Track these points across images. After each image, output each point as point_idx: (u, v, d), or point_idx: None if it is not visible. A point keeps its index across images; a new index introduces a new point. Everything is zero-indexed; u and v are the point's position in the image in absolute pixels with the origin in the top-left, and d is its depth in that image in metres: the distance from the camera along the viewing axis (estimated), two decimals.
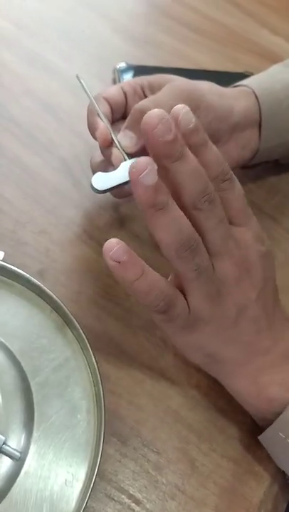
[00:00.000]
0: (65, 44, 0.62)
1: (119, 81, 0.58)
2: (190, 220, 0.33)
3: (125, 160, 0.40)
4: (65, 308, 0.41)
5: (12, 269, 0.42)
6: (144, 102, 0.40)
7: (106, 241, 0.48)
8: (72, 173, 0.52)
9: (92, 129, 0.43)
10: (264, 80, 0.50)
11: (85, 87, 0.42)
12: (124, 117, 0.45)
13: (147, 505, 0.38)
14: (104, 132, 0.41)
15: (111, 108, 0.43)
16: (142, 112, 0.39)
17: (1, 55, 0.58)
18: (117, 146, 0.40)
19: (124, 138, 0.41)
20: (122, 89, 0.44)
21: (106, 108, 0.43)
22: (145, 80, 0.45)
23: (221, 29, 0.70)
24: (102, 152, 0.43)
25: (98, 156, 0.45)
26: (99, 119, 0.42)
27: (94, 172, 0.45)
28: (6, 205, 0.48)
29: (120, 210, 0.50)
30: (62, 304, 0.41)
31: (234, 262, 0.36)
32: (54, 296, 0.41)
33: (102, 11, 0.66)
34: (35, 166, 0.51)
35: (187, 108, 0.34)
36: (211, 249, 0.35)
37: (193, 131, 0.34)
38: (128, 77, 0.59)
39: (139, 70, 0.60)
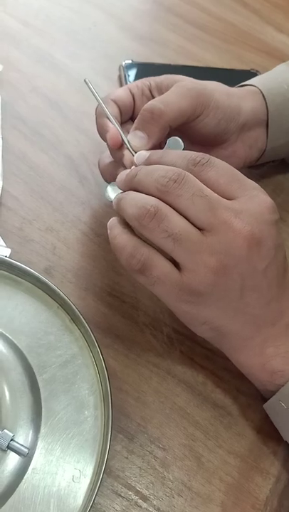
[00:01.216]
0: (71, 42, 0.62)
1: (125, 78, 0.58)
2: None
3: None
4: (72, 305, 0.41)
5: (20, 266, 0.42)
6: (153, 102, 0.40)
7: None
8: (79, 171, 0.52)
9: (102, 131, 0.43)
10: (271, 80, 0.49)
11: (94, 90, 0.42)
12: (132, 119, 0.45)
13: (154, 502, 0.38)
14: (115, 135, 0.41)
15: (119, 110, 0.43)
16: (152, 112, 0.40)
17: (8, 53, 0.58)
18: (128, 148, 0.40)
19: (134, 139, 0.41)
20: (130, 91, 0.44)
21: (115, 110, 0.43)
22: (152, 80, 0.44)
23: (227, 27, 0.70)
24: (113, 154, 0.43)
25: (107, 158, 0.45)
26: (109, 122, 0.42)
27: (103, 174, 0.45)
28: (13, 203, 0.48)
29: None
30: (69, 301, 0.41)
31: (236, 233, 0.35)
32: (61, 293, 0.41)
33: (109, 9, 0.66)
34: (42, 163, 0.51)
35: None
36: (202, 225, 0.35)
37: (148, 157, 0.39)
38: (134, 74, 0.59)
39: (145, 68, 0.60)
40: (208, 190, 0.35)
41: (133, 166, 0.40)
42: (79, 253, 0.47)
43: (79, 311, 0.41)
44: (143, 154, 0.39)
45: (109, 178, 0.45)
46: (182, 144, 0.40)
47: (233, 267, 0.35)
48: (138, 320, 0.45)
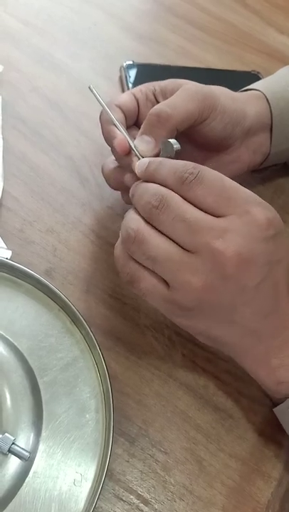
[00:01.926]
0: (72, 42, 0.61)
1: (126, 79, 0.58)
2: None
3: None
4: (73, 308, 0.41)
5: (20, 268, 0.42)
6: (160, 106, 0.40)
7: (113, 240, 0.48)
8: (80, 172, 0.52)
9: (108, 138, 0.42)
10: (274, 84, 0.49)
11: (98, 96, 0.41)
12: (136, 124, 0.45)
13: (156, 506, 0.38)
14: (123, 141, 0.40)
15: (124, 115, 0.43)
16: (159, 116, 0.39)
17: (8, 53, 0.58)
18: (136, 155, 0.40)
19: (141, 143, 0.40)
20: (134, 96, 0.44)
21: (120, 116, 0.42)
22: (157, 85, 0.44)
23: (228, 28, 0.70)
24: (120, 160, 0.43)
25: (111, 163, 0.45)
26: (115, 128, 0.41)
27: (108, 179, 0.45)
28: (13, 204, 0.48)
29: (127, 208, 0.49)
30: (70, 303, 0.41)
31: (219, 255, 0.34)
32: (62, 296, 0.41)
33: (109, 9, 0.66)
34: (43, 164, 0.51)
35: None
36: (185, 246, 0.35)
37: (147, 166, 0.38)
38: (134, 75, 0.59)
39: (146, 69, 0.60)
40: (190, 212, 0.35)
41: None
42: (80, 255, 0.47)
43: (80, 313, 0.41)
44: (143, 163, 0.38)
45: (115, 184, 0.45)
46: (175, 146, 0.39)
47: (220, 286, 0.35)
48: (139, 322, 0.45)
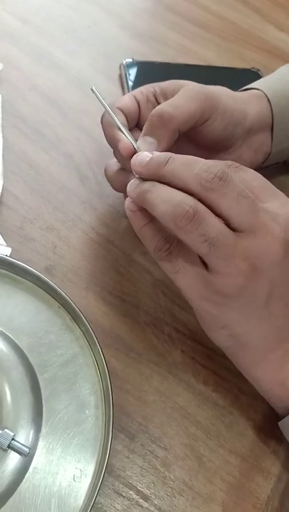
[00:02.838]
0: (71, 40, 0.61)
1: (126, 77, 0.58)
2: (208, 207, 0.34)
3: None
4: (73, 304, 0.41)
5: (20, 265, 0.42)
6: (162, 107, 0.40)
7: (113, 238, 0.48)
8: (79, 169, 0.52)
9: (112, 141, 0.41)
10: (275, 83, 0.49)
11: (101, 98, 0.41)
12: (137, 126, 0.44)
13: (155, 501, 0.38)
14: (128, 144, 0.40)
15: (126, 118, 0.43)
16: (161, 117, 0.39)
17: (7, 51, 0.58)
18: None
19: (143, 144, 0.39)
20: (135, 98, 0.44)
21: (121, 118, 0.42)
22: (157, 86, 0.44)
23: (227, 25, 0.70)
24: (123, 163, 0.43)
25: (114, 165, 0.44)
26: (119, 131, 0.41)
27: (112, 182, 0.45)
28: (13, 201, 0.48)
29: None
30: (70, 300, 0.41)
31: (274, 238, 0.34)
32: (62, 293, 0.41)
33: (108, 7, 0.66)
34: (42, 162, 0.51)
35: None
36: (241, 227, 0.33)
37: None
38: (134, 72, 0.59)
39: (146, 66, 0.60)
40: (247, 191, 0.34)
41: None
42: (80, 252, 0.47)
43: (80, 310, 0.41)
44: (142, 157, 0.37)
45: (119, 186, 0.44)
46: None
47: (265, 272, 0.34)
48: (139, 319, 0.45)
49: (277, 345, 0.37)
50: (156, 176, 0.36)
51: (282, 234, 0.34)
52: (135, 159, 0.37)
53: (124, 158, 0.40)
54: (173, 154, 0.36)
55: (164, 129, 0.39)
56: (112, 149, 0.44)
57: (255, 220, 0.33)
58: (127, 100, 0.43)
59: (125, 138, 0.40)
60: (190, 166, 0.34)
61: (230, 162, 0.35)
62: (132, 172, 0.38)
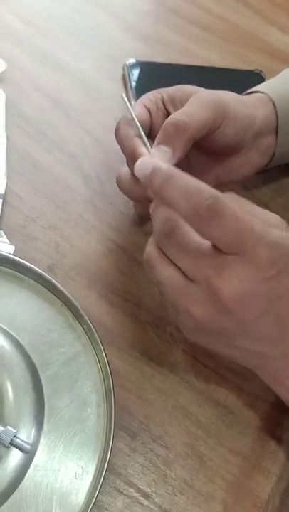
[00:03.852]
0: (74, 42, 0.62)
1: (129, 77, 0.58)
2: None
3: None
4: (76, 303, 0.41)
5: (23, 263, 0.42)
6: (176, 116, 0.39)
7: (116, 237, 0.49)
8: (82, 169, 0.52)
9: (132, 154, 0.41)
10: (280, 86, 0.49)
11: (130, 108, 0.41)
12: (149, 134, 0.44)
13: (156, 500, 0.38)
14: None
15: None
16: (176, 125, 0.39)
17: (11, 52, 0.58)
18: None
19: (158, 153, 0.39)
20: (145, 106, 0.43)
21: (142, 129, 0.42)
22: (164, 92, 0.44)
23: (230, 27, 0.70)
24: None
25: (128, 175, 0.43)
26: (138, 143, 0.41)
27: (127, 192, 0.44)
28: (16, 201, 0.48)
29: (130, 206, 0.50)
30: (72, 299, 0.41)
31: (217, 288, 0.33)
32: (64, 291, 0.41)
33: (111, 9, 0.66)
34: (46, 162, 0.52)
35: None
36: (188, 276, 0.35)
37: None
38: (137, 73, 0.59)
39: (149, 67, 0.60)
40: (194, 245, 0.34)
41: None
42: (82, 251, 0.47)
43: (82, 308, 0.41)
44: (145, 165, 0.35)
45: (137, 197, 0.44)
46: None
47: (217, 317, 0.35)
48: (141, 318, 0.45)
49: (266, 363, 0.38)
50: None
51: (223, 287, 0.33)
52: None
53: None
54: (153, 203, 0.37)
55: (180, 137, 0.39)
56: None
57: (196, 273, 0.34)
58: (139, 110, 0.43)
59: (146, 152, 0.40)
60: (153, 219, 0.37)
61: (203, 206, 0.33)
62: None
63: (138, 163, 0.36)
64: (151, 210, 0.38)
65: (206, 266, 0.34)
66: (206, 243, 0.34)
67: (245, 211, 0.34)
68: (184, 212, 0.34)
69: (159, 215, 0.36)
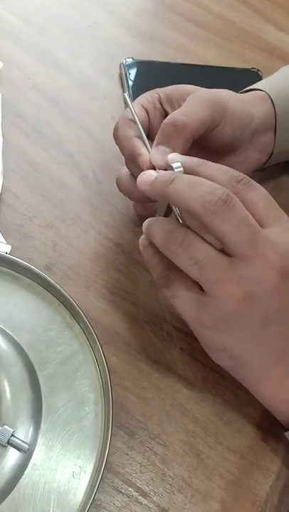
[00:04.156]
0: (72, 40, 0.62)
1: (126, 76, 0.58)
2: (208, 229, 0.34)
3: None
4: (73, 302, 0.41)
5: (20, 262, 0.42)
6: (174, 115, 0.39)
7: (113, 236, 0.49)
8: (79, 168, 0.52)
9: (132, 155, 0.41)
10: (278, 84, 0.49)
11: (132, 108, 0.41)
12: (147, 135, 0.44)
13: (154, 498, 0.38)
14: (149, 161, 0.39)
15: None
16: (175, 125, 0.39)
17: (8, 50, 0.58)
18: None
19: (158, 154, 0.39)
20: (143, 107, 0.43)
21: (136, 131, 0.41)
22: (161, 92, 0.44)
23: (228, 25, 0.70)
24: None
25: (128, 176, 0.44)
26: (139, 144, 0.40)
27: (128, 193, 0.44)
28: (13, 200, 0.48)
29: (128, 205, 0.50)
30: (70, 298, 0.41)
31: (270, 267, 0.33)
32: (62, 290, 0.41)
33: (109, 7, 0.66)
34: (42, 161, 0.51)
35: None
36: (238, 254, 0.33)
37: (184, 161, 0.36)
38: (134, 72, 0.59)
39: (146, 66, 0.60)
40: (253, 220, 0.34)
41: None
42: (79, 250, 0.47)
43: (79, 307, 0.41)
44: (147, 176, 0.37)
45: (138, 198, 0.43)
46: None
47: (260, 299, 0.34)
48: (138, 317, 0.45)
49: (276, 364, 0.37)
50: (163, 196, 0.36)
51: (278, 263, 0.34)
52: (140, 178, 0.37)
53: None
54: (178, 173, 0.36)
55: (179, 137, 0.39)
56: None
57: (253, 249, 0.33)
58: (137, 110, 0.42)
59: (146, 152, 0.40)
60: (195, 186, 0.34)
61: (240, 176, 0.35)
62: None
63: (140, 176, 0.37)
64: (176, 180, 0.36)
65: (263, 241, 0.34)
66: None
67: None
68: (225, 182, 0.34)
69: (203, 182, 0.34)
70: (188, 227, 0.36)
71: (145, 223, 0.38)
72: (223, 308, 0.34)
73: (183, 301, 0.37)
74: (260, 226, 0.34)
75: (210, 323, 0.36)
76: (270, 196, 0.36)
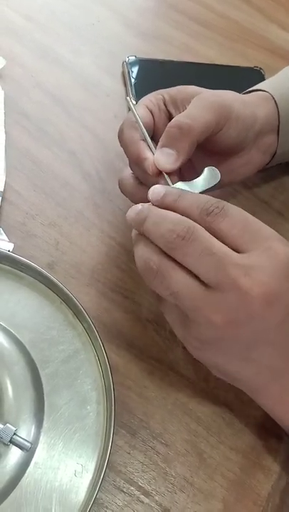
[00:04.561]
0: (75, 38, 0.62)
1: (129, 74, 0.58)
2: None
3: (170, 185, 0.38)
4: (75, 300, 0.41)
5: (23, 260, 0.42)
6: (180, 118, 0.39)
7: (116, 234, 0.49)
8: (82, 166, 0.52)
9: (137, 158, 0.40)
10: (281, 84, 0.49)
11: (135, 111, 0.41)
12: (152, 136, 0.43)
13: (156, 497, 0.38)
14: (155, 166, 0.39)
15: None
16: (181, 128, 0.38)
17: (11, 48, 0.58)
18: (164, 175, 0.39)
19: (162, 156, 0.39)
20: (148, 108, 0.43)
21: (146, 132, 0.41)
22: (165, 93, 0.43)
23: (230, 24, 0.70)
24: (144, 179, 0.42)
25: (130, 178, 0.43)
26: (144, 147, 0.40)
27: (129, 196, 0.44)
28: (16, 197, 0.48)
29: (130, 204, 0.50)
30: (72, 296, 0.41)
31: (244, 291, 0.32)
32: (64, 288, 0.41)
33: (112, 5, 0.66)
34: (45, 159, 0.51)
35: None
36: (209, 282, 0.33)
37: (163, 196, 0.37)
38: (137, 70, 0.59)
39: (149, 64, 0.60)
40: (217, 247, 0.33)
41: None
42: (82, 249, 0.47)
43: (82, 306, 0.41)
44: (158, 192, 0.37)
45: (140, 201, 0.42)
46: (219, 175, 0.38)
47: (244, 323, 0.34)
48: (141, 316, 0.45)
49: (273, 382, 0.37)
50: (140, 232, 0.37)
51: (254, 287, 0.33)
52: (129, 211, 0.38)
53: (147, 175, 0.40)
54: (150, 210, 0.36)
55: (184, 140, 0.39)
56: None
57: (224, 276, 0.33)
58: (142, 112, 0.42)
59: (151, 157, 0.39)
60: (158, 225, 0.35)
61: (212, 207, 0.35)
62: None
63: (150, 190, 0.37)
64: (139, 211, 0.37)
65: (232, 267, 0.33)
66: (226, 248, 0.34)
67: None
68: (194, 215, 0.35)
69: (168, 216, 0.35)
70: (165, 254, 0.35)
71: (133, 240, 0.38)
72: (207, 333, 0.35)
73: (172, 320, 0.38)
74: (238, 251, 0.34)
75: (197, 345, 0.36)
76: (249, 218, 0.35)
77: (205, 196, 0.36)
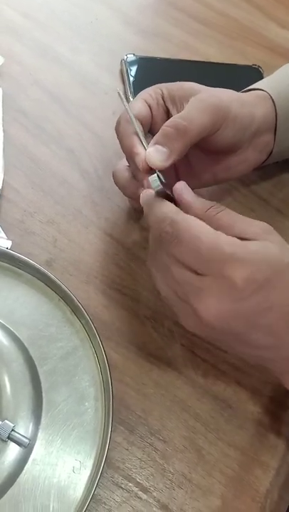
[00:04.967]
0: (73, 36, 0.61)
1: (127, 72, 0.58)
2: None
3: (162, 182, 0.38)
4: (74, 297, 0.41)
5: (21, 258, 0.42)
6: (176, 119, 0.39)
7: (114, 232, 0.49)
8: (80, 164, 0.52)
9: (130, 153, 0.40)
10: (279, 83, 0.49)
11: (126, 104, 0.41)
12: (149, 131, 0.44)
13: (154, 494, 0.38)
14: (145, 162, 0.39)
15: (141, 125, 0.42)
16: (177, 129, 0.39)
17: (10, 46, 0.58)
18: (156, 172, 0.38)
19: (155, 153, 0.39)
20: (146, 102, 0.43)
21: (139, 127, 0.41)
22: (164, 88, 0.43)
23: (230, 22, 0.70)
24: (136, 174, 0.42)
25: (125, 171, 0.44)
26: (136, 142, 0.40)
27: (122, 188, 0.44)
28: (14, 195, 0.48)
29: (128, 202, 0.50)
30: (70, 293, 0.41)
31: (198, 311, 0.34)
32: (62, 285, 0.41)
33: (111, 3, 0.66)
34: (43, 157, 0.51)
35: None
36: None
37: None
38: (136, 68, 0.59)
39: (147, 62, 0.60)
40: (174, 267, 0.36)
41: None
42: (80, 246, 0.47)
43: (80, 303, 0.41)
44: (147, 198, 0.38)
45: (131, 195, 0.44)
46: (159, 183, 0.38)
47: (206, 335, 0.37)
48: (139, 313, 0.45)
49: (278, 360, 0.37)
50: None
51: (201, 309, 0.34)
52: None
53: (142, 173, 0.40)
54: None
55: (179, 140, 0.39)
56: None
57: (180, 293, 0.36)
58: (140, 106, 0.42)
59: (143, 152, 0.39)
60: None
61: (163, 232, 0.35)
62: (143, 182, 0.39)
63: (143, 195, 0.38)
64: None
65: (187, 286, 0.35)
66: (181, 268, 0.35)
67: (228, 226, 0.35)
68: (154, 235, 0.37)
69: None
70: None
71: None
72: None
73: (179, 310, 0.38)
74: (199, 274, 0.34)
75: (203, 335, 0.38)
76: (200, 244, 0.34)
77: (161, 215, 0.36)
